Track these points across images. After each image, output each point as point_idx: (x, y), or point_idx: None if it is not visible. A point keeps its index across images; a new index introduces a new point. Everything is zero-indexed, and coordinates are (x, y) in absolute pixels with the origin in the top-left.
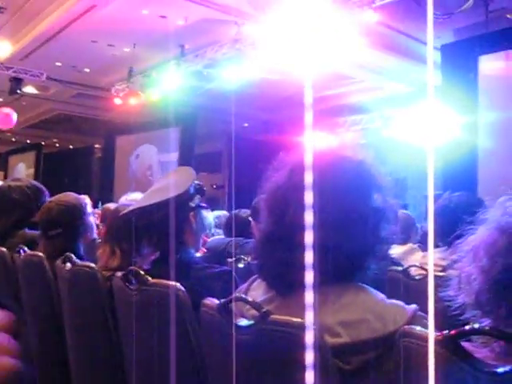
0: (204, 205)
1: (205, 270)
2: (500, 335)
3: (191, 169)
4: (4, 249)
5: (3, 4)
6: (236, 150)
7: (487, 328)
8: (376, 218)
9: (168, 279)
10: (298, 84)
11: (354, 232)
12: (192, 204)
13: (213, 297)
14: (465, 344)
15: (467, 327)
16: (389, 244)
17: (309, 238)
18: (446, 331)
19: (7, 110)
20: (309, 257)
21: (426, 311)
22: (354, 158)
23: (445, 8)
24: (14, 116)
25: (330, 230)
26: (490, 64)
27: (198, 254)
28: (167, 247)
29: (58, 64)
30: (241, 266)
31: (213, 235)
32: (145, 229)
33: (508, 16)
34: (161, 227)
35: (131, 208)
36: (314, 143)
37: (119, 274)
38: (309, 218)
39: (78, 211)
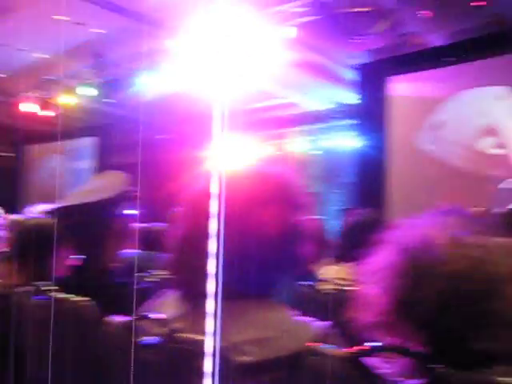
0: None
1: (118, 286)
2: (400, 351)
3: (123, 174)
4: None
5: None
6: (149, 161)
7: (387, 345)
8: (292, 234)
9: (82, 290)
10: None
11: (268, 247)
12: (117, 211)
13: (122, 312)
14: (373, 360)
15: (367, 344)
16: (308, 261)
17: (212, 248)
18: (348, 348)
19: None
20: (211, 267)
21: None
22: (272, 171)
23: (361, 29)
24: None
25: (240, 243)
26: (400, 85)
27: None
28: (87, 253)
29: None
30: (150, 279)
31: None
32: (65, 231)
33: (416, 40)
34: (81, 231)
35: (56, 206)
36: (226, 156)
37: (22, 289)
38: (213, 228)
39: None
